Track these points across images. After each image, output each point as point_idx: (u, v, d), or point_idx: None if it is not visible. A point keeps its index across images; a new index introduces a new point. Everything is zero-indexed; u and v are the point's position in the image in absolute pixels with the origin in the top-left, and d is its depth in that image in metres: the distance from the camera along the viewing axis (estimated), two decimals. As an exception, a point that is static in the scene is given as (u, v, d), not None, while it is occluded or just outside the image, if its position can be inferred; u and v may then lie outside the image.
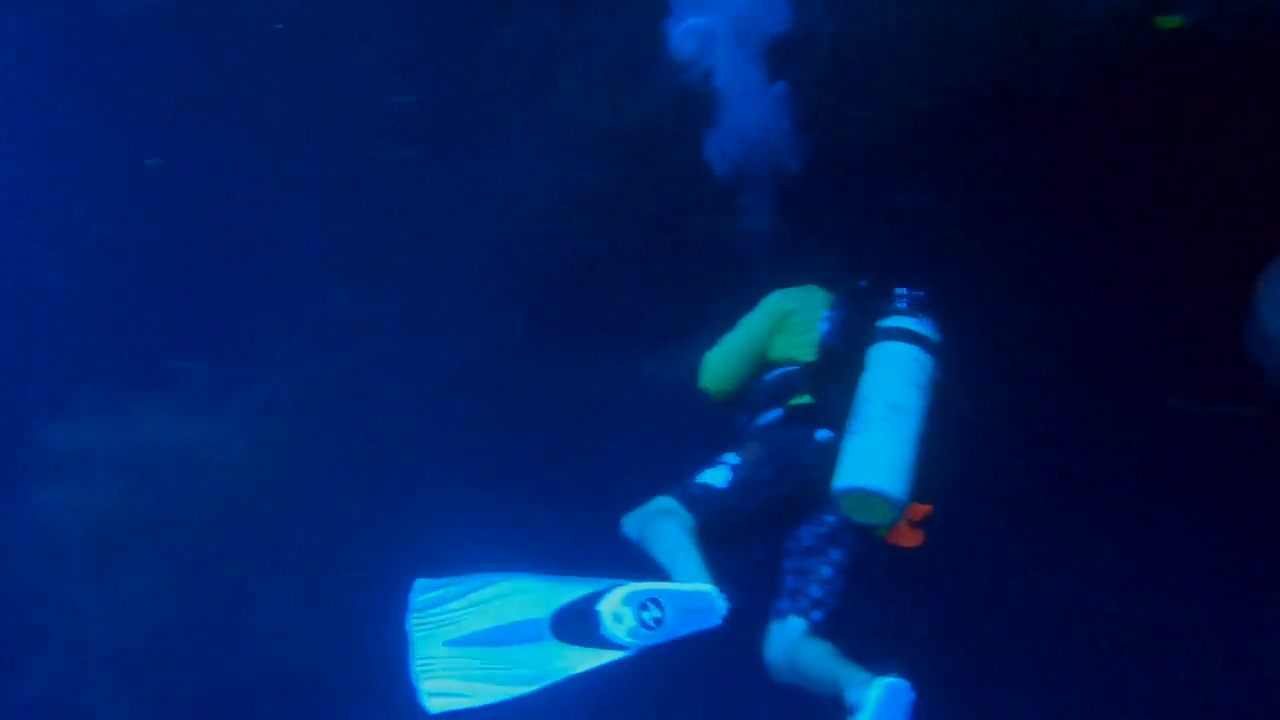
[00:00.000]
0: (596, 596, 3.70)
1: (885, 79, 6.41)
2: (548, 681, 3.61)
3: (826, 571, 4.38)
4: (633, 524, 4.27)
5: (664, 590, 3.62)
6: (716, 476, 4.38)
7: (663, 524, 4.07)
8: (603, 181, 7.10)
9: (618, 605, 3.61)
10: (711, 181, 6.05)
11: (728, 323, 5.20)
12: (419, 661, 3.69)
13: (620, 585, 3.67)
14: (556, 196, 7.26)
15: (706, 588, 3.65)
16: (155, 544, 8.34)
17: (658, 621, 3.56)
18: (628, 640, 3.56)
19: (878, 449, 4.05)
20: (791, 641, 4.20)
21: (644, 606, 3.58)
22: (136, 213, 8.45)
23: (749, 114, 5.70)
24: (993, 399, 6.01)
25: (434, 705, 3.55)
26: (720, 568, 3.97)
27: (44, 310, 8.85)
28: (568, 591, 3.80)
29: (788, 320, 4.83)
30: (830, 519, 4.36)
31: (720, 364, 4.98)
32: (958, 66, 6.12)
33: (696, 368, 5.19)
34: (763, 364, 4.82)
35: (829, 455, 4.22)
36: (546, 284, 7.52)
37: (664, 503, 4.27)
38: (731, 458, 4.47)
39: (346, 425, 8.13)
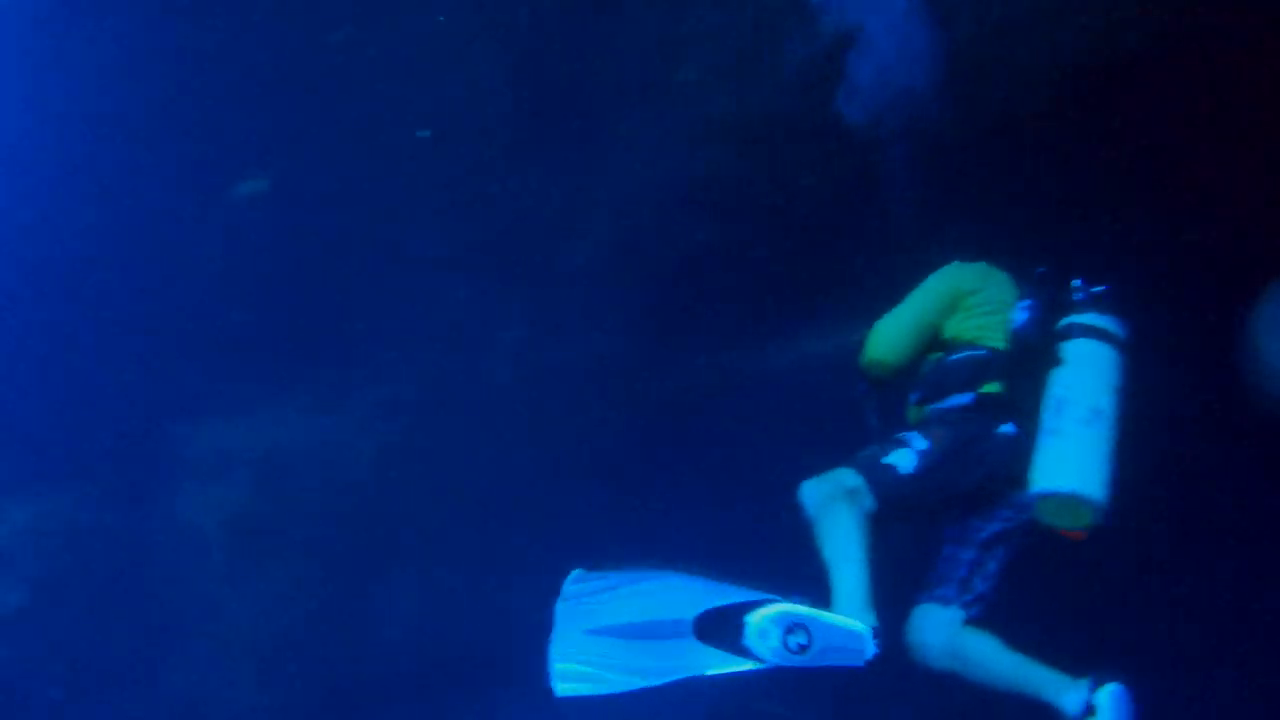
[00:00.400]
0: (747, 607, 3.65)
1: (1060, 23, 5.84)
2: (676, 678, 3.62)
3: (993, 566, 4.28)
4: (811, 496, 4.10)
5: (817, 620, 3.52)
6: (903, 460, 4.21)
7: (839, 515, 3.94)
8: (726, 175, 7.00)
9: (766, 622, 3.55)
10: (838, 172, 5.89)
11: (854, 313, 5.08)
12: (556, 645, 3.72)
13: (774, 602, 3.61)
14: (678, 191, 7.18)
15: (861, 628, 3.54)
16: (289, 540, 8.58)
17: (802, 648, 3.49)
18: (767, 657, 3.52)
19: (1084, 453, 3.98)
20: (952, 630, 4.14)
21: (792, 630, 3.51)
22: (264, 218, 8.66)
23: (891, 56, 5.50)
24: (1169, 398, 5.67)
25: (562, 688, 3.59)
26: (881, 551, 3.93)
27: (178, 314, 9.14)
28: (719, 596, 3.76)
29: (968, 299, 4.63)
30: (1005, 514, 4.24)
31: (892, 336, 4.74)
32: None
33: (820, 358, 5.06)
34: (933, 341, 4.65)
35: (1016, 451, 4.11)
36: (669, 279, 7.46)
37: (847, 478, 4.12)
38: (917, 440, 4.28)
39: (470, 423, 8.21)
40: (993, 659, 4.04)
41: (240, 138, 8.54)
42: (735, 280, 7.37)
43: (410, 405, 8.25)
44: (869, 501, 4.00)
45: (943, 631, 4.17)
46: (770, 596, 3.70)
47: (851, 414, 4.84)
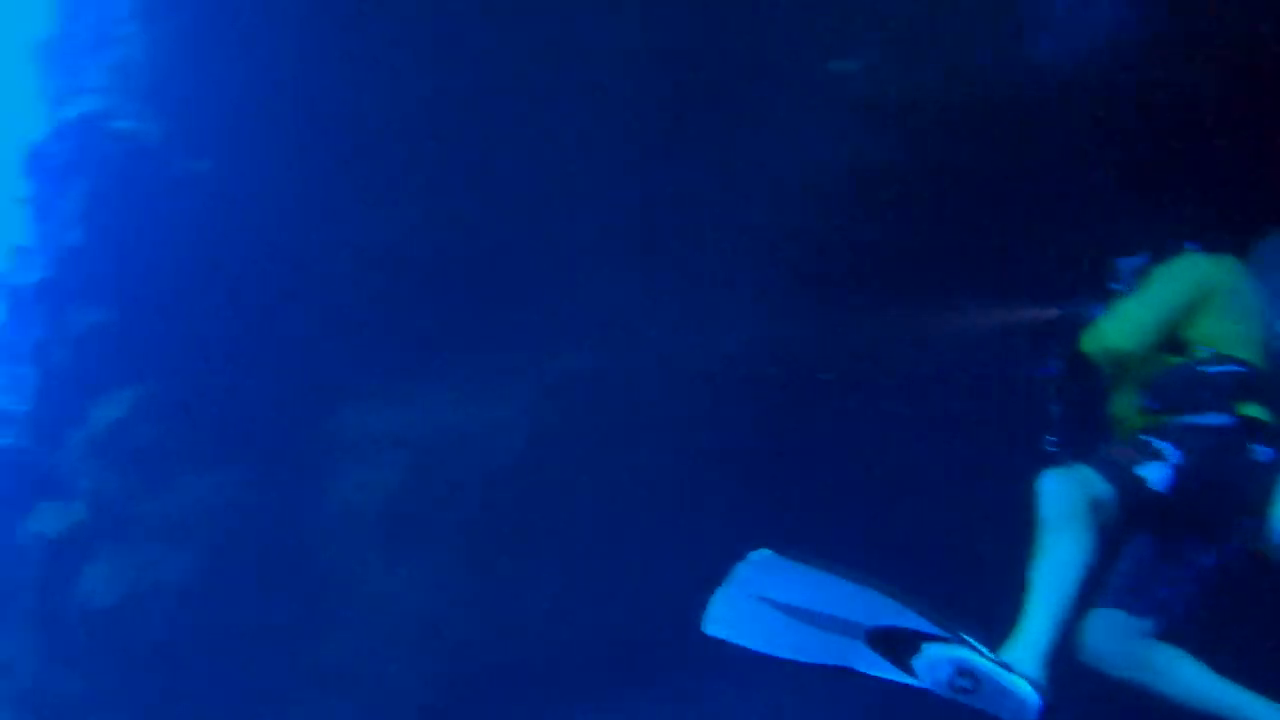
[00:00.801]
0: (930, 636, 3.53)
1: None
2: (824, 662, 3.54)
3: (1194, 589, 3.95)
4: (1052, 496, 3.79)
5: (988, 671, 3.36)
6: (1156, 474, 3.87)
7: (1073, 534, 3.65)
8: (889, 161, 6.71)
9: (942, 658, 3.43)
10: (1005, 155, 5.54)
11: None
12: (723, 593, 3.68)
13: (955, 645, 3.49)
14: (839, 179, 6.92)
15: (1031, 697, 3.34)
16: (443, 523, 8.75)
17: (964, 691, 3.39)
18: (927, 683, 3.42)
19: None
20: (1137, 640, 3.87)
21: (962, 673, 3.40)
22: (426, 208, 8.84)
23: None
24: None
25: (711, 627, 3.58)
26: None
27: (338, 302, 9.44)
28: (904, 617, 3.65)
29: (1215, 299, 4.22)
30: (1232, 542, 3.91)
31: (1137, 325, 4.20)
32: None
33: (980, 345, 4.73)
34: (1171, 339, 4.26)
35: (1270, 480, 3.77)
36: (827, 270, 7.22)
37: (1094, 484, 3.84)
38: (1171, 452, 3.94)
39: (622, 413, 8.19)
40: (1193, 677, 3.74)
41: (402, 133, 8.78)
42: (897, 271, 7.06)
43: (563, 393, 8.27)
44: (1112, 514, 3.73)
45: (1128, 641, 3.89)
46: (955, 636, 3.55)
47: (1019, 400, 4.55)
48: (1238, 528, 3.95)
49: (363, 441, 9.13)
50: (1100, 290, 4.52)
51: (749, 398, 7.87)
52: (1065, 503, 3.75)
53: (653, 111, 7.83)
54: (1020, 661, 3.48)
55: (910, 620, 3.60)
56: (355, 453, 9.18)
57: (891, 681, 3.65)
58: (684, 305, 8.14)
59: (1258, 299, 4.24)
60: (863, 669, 3.58)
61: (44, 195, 10.73)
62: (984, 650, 3.49)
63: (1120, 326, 4.28)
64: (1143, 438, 3.99)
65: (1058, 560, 3.67)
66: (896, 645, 3.63)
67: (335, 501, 9.41)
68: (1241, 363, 4.10)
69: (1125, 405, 4.27)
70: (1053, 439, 4.33)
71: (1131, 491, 3.83)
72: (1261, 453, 3.92)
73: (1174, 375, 4.16)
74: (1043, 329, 4.53)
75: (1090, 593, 4.03)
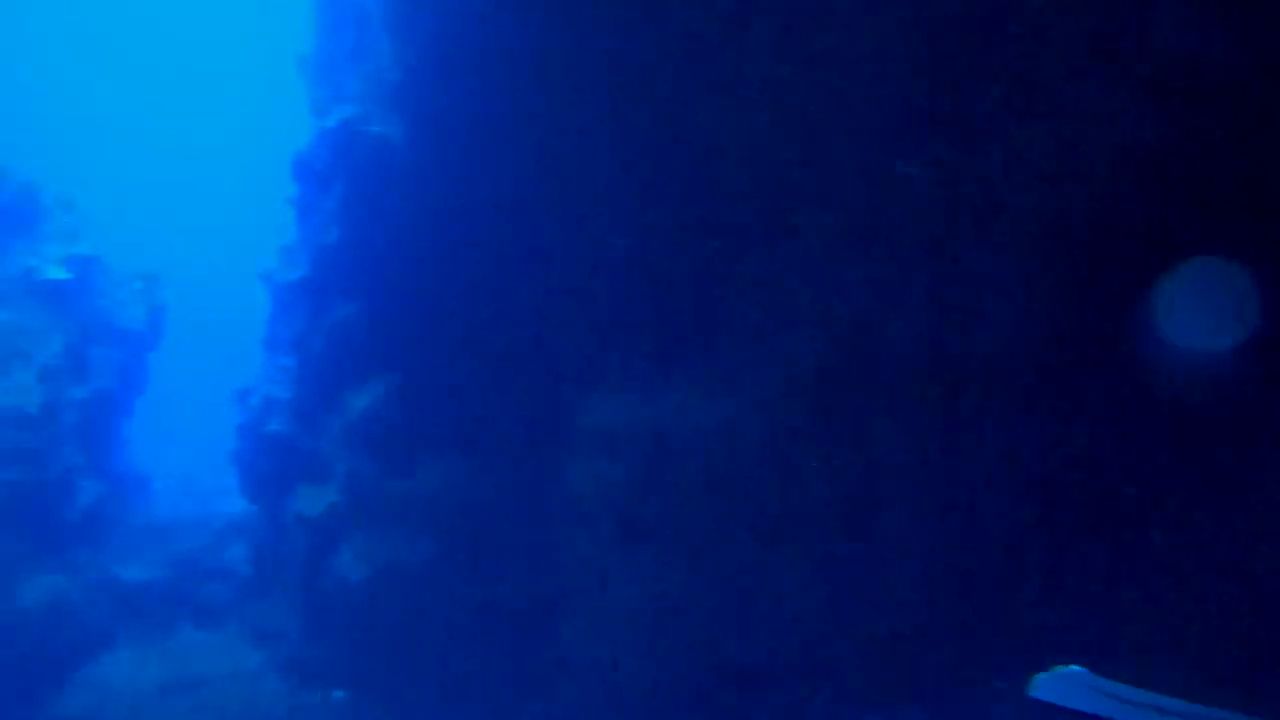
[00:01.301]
0: None
1: None
2: None
3: None
4: None
5: None
6: None
7: None
8: (1178, 139, 6.01)
9: None
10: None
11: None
12: (1057, 675, 3.62)
13: None
14: (1120, 161, 6.27)
15: None
16: (677, 519, 8.72)
17: None
18: None
19: None
20: None
21: None
22: (658, 202, 8.83)
23: None
24: None
25: (1039, 690, 3.72)
26: None
27: (578, 297, 9.58)
28: None
29: None
30: None
31: None
32: None
33: None
34: None
35: None
36: (1105, 263, 6.58)
37: None
38: None
39: (860, 409, 7.88)
40: None
41: (639, 131, 8.81)
42: (1194, 268, 6.32)
43: (807, 392, 8.01)
44: None
45: None
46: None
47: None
48: None
49: (599, 435, 9.24)
50: None
51: (1015, 399, 7.33)
52: None
53: (907, 92, 7.41)
54: None
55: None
56: (591, 445, 9.30)
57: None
58: (945, 295, 7.66)
59: None
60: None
61: (307, 198, 11.53)
62: None
63: None
64: None
65: None
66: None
67: (570, 493, 9.56)
68: None
69: None
70: None
71: None
72: None
73: None
74: None
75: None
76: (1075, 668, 3.90)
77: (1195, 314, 6.35)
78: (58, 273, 14.21)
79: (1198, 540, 5.97)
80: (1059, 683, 3.73)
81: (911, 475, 7.82)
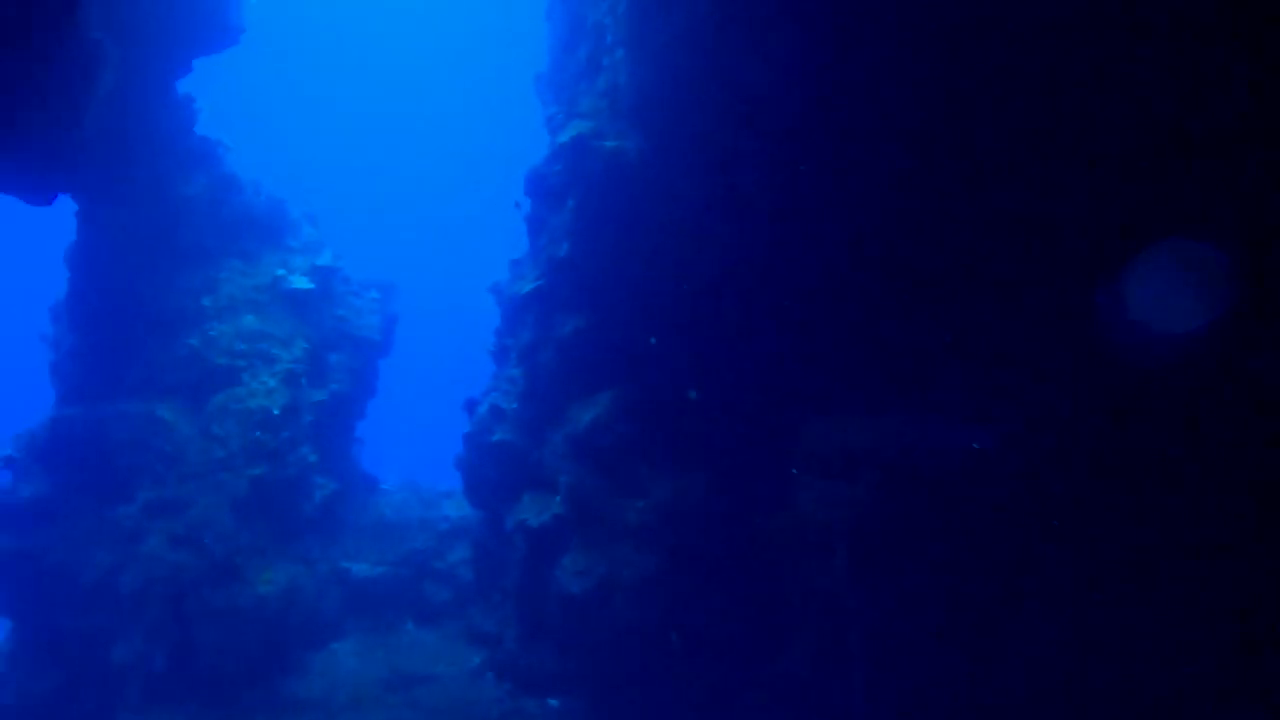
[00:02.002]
0: None
1: None
2: None
3: None
4: None
5: None
6: None
7: None
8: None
9: None
10: None
11: None
12: None
13: None
14: None
15: None
16: (916, 546, 8.32)
17: None
18: None
19: None
20: None
21: None
22: (896, 221, 8.48)
23: None
24: None
25: None
26: None
27: (811, 316, 9.33)
28: None
29: None
30: None
31: None
32: None
33: None
34: None
35: None
36: None
37: None
38: None
39: (1123, 441, 7.26)
40: None
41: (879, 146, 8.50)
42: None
43: (1063, 422, 7.46)
44: None
45: None
46: None
47: None
48: None
49: (834, 456, 8.94)
50: None
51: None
52: None
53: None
54: None
55: None
56: (826, 467, 9.02)
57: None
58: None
59: None
60: None
61: (539, 213, 11.77)
62: None
63: None
64: None
65: None
66: None
67: (801, 515, 9.29)
68: None
69: None
70: None
71: None
72: None
73: None
74: None
75: None
76: None
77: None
78: (302, 282, 15.13)
79: None
80: None
81: (1194, 520, 7.12)
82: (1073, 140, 7.18)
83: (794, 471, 9.34)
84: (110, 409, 13.36)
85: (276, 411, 13.50)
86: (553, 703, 11.67)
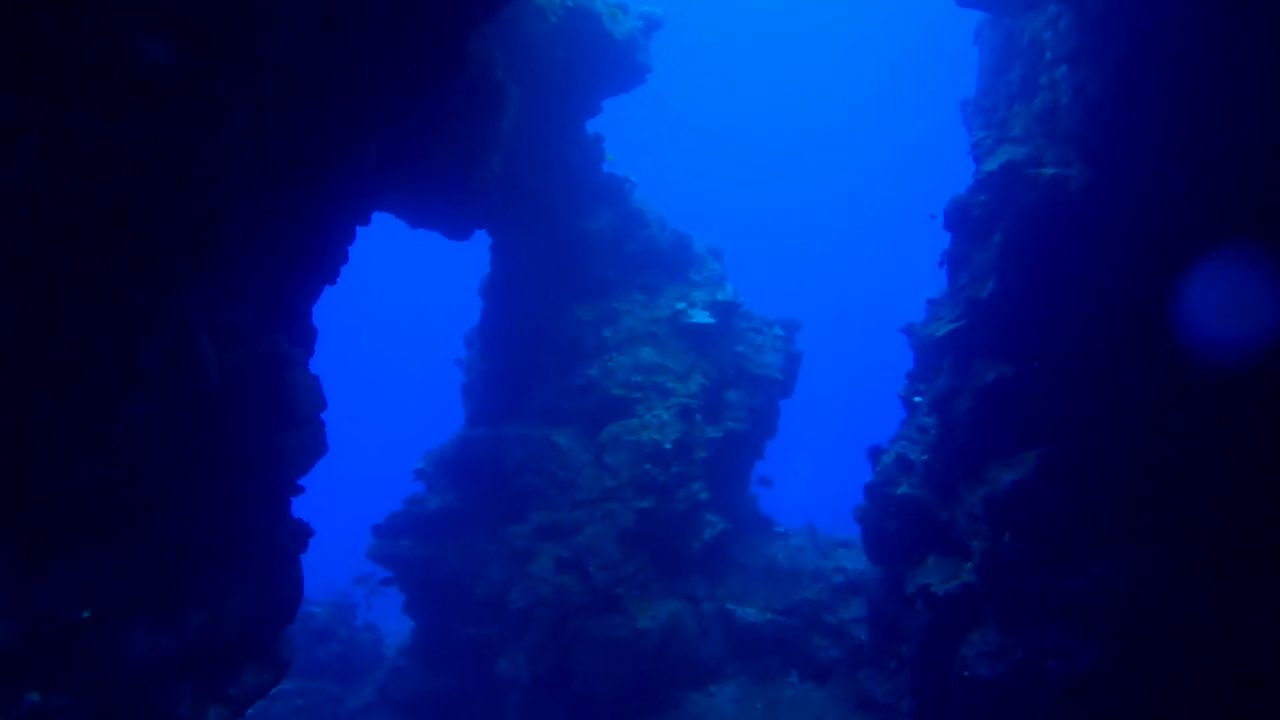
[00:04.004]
0: None
1: None
2: None
3: None
4: None
5: None
6: None
7: None
8: None
9: None
10: None
11: None
12: None
13: None
14: None
15: None
16: None
17: None
18: None
19: None
20: None
21: None
22: None
23: None
24: None
25: None
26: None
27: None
28: None
29: None
30: None
31: None
32: None
33: None
34: None
35: None
36: None
37: None
38: None
39: None
40: None
41: None
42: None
43: None
44: None
45: None
46: None
47: None
48: None
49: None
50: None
51: None
52: None
53: None
54: None
55: None
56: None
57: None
58: None
59: None
60: None
61: (960, 248, 10.71)
62: None
63: None
64: None
65: None
66: None
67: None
68: None
69: None
70: None
71: None
72: None
73: None
74: None
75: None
76: None
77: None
78: (702, 316, 15.15)
79: None
80: None
81: None
82: None
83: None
84: (512, 431, 14.18)
85: (668, 445, 13.53)
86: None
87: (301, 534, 7.25)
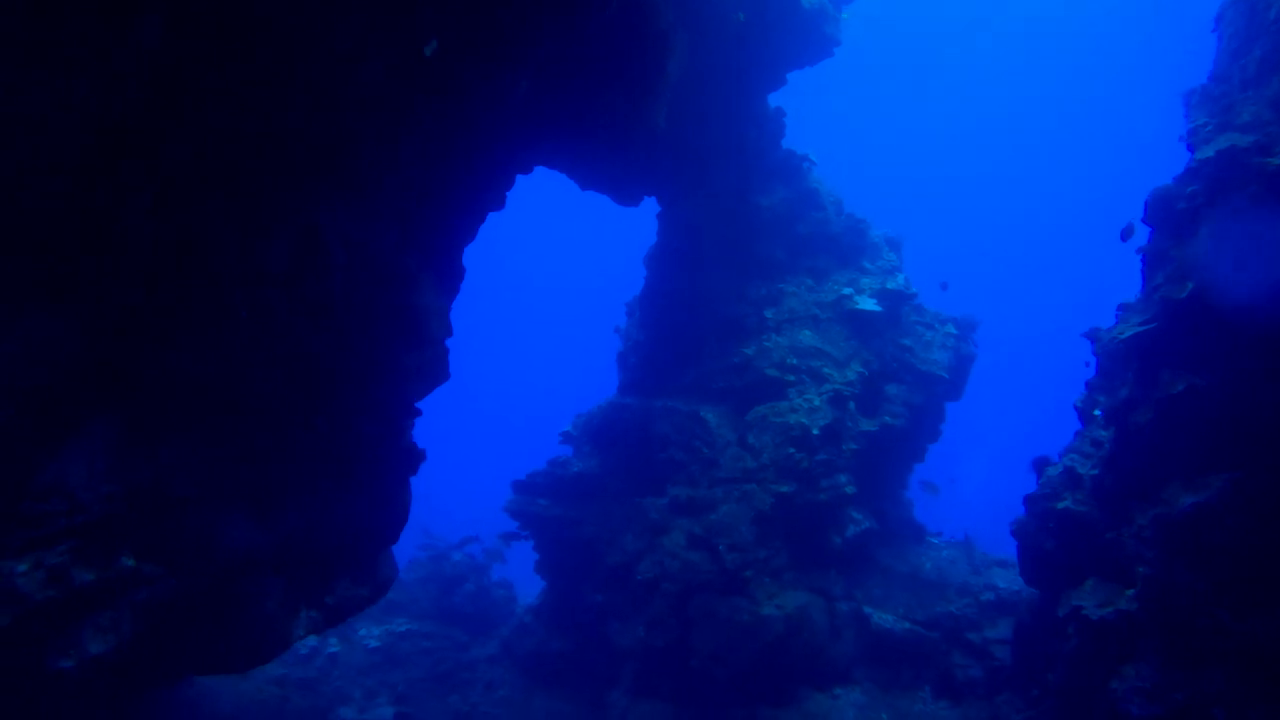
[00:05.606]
0: None
1: None
2: None
3: None
4: None
5: None
6: None
7: None
8: None
9: None
10: None
11: None
12: None
13: None
14: None
15: None
16: None
17: None
18: None
19: None
20: None
21: None
22: None
23: None
24: None
25: None
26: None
27: None
28: None
29: None
30: None
31: None
32: None
33: None
34: None
35: None
36: None
37: None
38: None
39: None
40: None
41: None
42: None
43: None
44: None
45: None
46: None
47: None
48: None
49: None
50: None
51: None
52: None
53: None
54: None
55: None
56: None
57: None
58: None
59: None
60: None
61: (1160, 245, 9.63)
62: None
63: None
64: None
65: None
66: None
67: None
68: None
69: None
70: None
71: None
72: None
73: None
74: None
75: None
76: None
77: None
78: (868, 304, 14.37)
79: None
80: None
81: None
82: None
83: None
84: (660, 404, 13.87)
85: (816, 431, 12.89)
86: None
87: (414, 456, 7.21)
